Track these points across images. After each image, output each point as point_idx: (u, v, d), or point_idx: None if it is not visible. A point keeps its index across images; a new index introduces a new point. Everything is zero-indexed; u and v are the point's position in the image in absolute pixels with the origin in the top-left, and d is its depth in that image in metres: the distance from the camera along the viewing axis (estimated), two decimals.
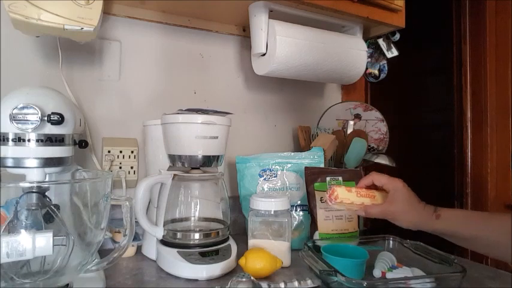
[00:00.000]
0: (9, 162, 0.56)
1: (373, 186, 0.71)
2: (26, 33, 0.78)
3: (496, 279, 0.74)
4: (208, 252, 0.75)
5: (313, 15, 1.00)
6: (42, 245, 0.50)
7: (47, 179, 0.60)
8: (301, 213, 0.96)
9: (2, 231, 0.51)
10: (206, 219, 0.85)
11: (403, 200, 0.65)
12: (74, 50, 0.90)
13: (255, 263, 0.72)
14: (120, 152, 0.94)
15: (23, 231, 0.50)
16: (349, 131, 1.18)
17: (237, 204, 1.03)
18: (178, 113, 0.79)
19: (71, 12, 0.67)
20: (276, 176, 0.98)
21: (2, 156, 0.56)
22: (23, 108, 0.55)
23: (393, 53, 1.27)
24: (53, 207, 0.57)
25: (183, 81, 1.07)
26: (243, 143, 1.14)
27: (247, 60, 1.13)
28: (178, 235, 0.79)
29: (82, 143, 0.70)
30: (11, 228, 0.53)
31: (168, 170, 0.83)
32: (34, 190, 0.55)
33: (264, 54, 0.97)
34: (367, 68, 1.29)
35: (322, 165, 0.98)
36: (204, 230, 0.82)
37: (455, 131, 1.76)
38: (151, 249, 0.82)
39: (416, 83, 2.18)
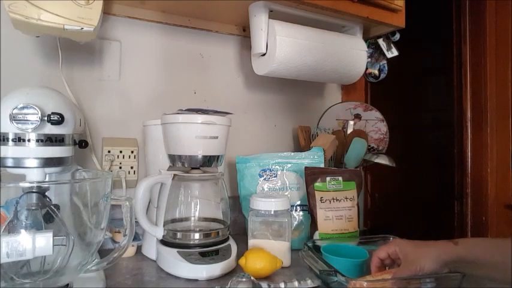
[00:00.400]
0: (9, 162, 0.56)
1: (383, 268, 0.69)
2: (26, 33, 0.78)
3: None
4: (208, 252, 0.75)
5: (313, 15, 0.99)
6: (42, 245, 0.50)
7: (47, 179, 0.60)
8: (301, 213, 0.96)
9: (2, 231, 0.51)
10: (206, 219, 0.85)
11: (413, 246, 0.64)
12: (74, 50, 0.90)
13: (255, 263, 0.72)
14: (120, 152, 0.94)
15: (23, 231, 0.50)
16: (349, 131, 1.18)
17: (237, 204, 1.03)
18: (178, 113, 0.79)
19: (71, 12, 0.67)
20: (276, 176, 0.98)
21: (2, 156, 0.56)
22: (23, 108, 0.55)
23: (393, 53, 1.27)
24: (53, 207, 0.57)
25: (183, 81, 1.07)
26: (243, 143, 1.14)
27: (247, 60, 1.13)
28: (178, 235, 0.79)
29: (82, 143, 0.70)
30: (11, 228, 0.53)
31: (168, 170, 0.83)
32: (34, 190, 0.55)
33: (264, 54, 0.97)
34: (367, 68, 1.29)
35: (322, 165, 0.98)
36: (204, 230, 0.82)
37: (455, 131, 1.76)
38: (151, 249, 0.82)
39: (416, 83, 2.18)
